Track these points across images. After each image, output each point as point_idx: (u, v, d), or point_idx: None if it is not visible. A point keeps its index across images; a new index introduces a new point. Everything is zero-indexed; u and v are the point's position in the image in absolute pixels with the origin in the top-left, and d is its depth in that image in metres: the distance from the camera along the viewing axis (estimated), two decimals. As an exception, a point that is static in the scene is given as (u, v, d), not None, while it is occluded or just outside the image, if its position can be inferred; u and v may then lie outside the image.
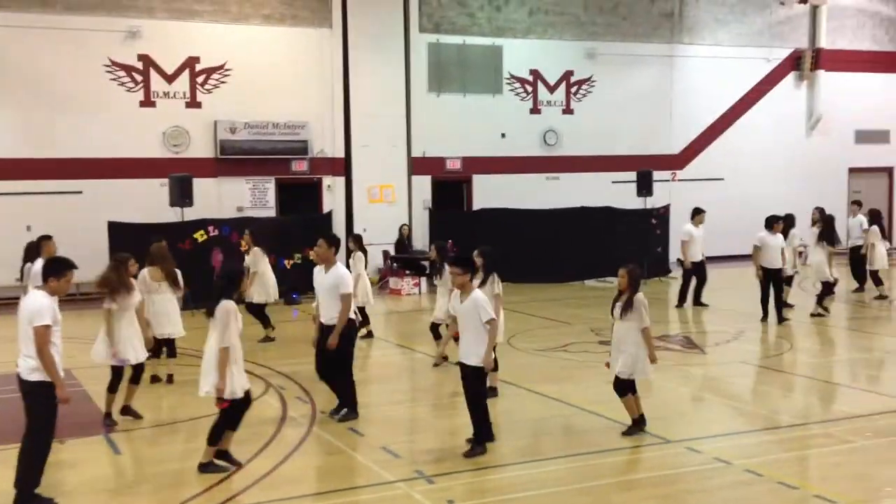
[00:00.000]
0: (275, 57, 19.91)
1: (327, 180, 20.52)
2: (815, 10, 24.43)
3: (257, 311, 13.38)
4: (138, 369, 9.20)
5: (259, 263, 13.46)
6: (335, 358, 8.84)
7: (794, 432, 8.57)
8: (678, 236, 16.93)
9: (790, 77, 24.71)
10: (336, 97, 19.32)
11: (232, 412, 7.42)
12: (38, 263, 10.75)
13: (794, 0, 21.93)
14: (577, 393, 9.96)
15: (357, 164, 18.78)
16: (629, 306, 8.31)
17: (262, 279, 13.42)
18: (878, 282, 17.07)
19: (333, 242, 9.12)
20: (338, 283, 8.82)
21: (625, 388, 8.43)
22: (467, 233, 19.88)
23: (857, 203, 18.90)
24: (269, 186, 20.12)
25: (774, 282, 14.50)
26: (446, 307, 9.89)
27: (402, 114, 21.01)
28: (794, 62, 24.62)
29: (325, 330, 8.88)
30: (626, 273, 8.39)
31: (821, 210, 16.67)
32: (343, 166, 18.65)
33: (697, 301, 16.38)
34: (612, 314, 8.54)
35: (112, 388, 9.02)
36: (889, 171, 26.02)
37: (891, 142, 25.76)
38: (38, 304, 6.67)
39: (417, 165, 21.27)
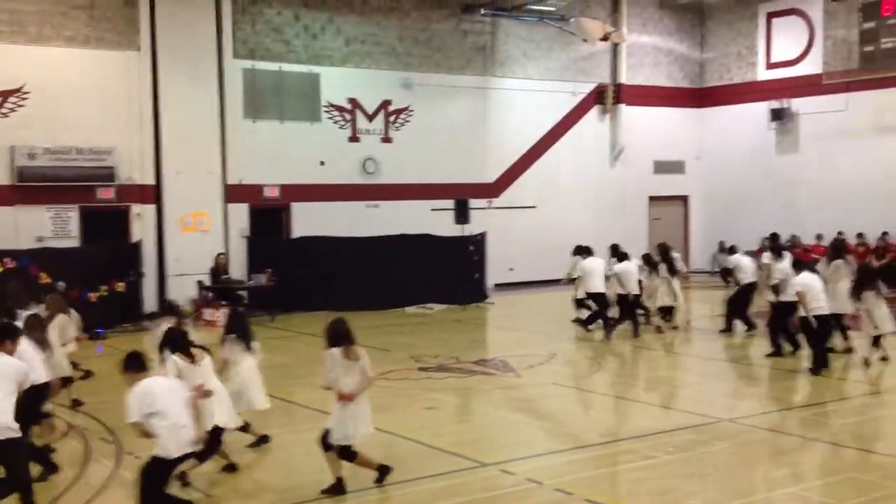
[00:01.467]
0: (78, 80, 18.89)
1: (136, 208, 19.62)
2: (615, 48, 25.94)
3: None
4: None
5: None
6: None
7: (602, 450, 8.95)
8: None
9: (594, 110, 26.05)
10: (145, 122, 18.57)
11: None
12: None
13: (596, 38, 23.15)
14: (397, 421, 9.97)
15: (168, 191, 18.12)
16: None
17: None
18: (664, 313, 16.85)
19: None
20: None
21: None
22: (287, 261, 19.70)
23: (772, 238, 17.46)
24: (73, 215, 19.01)
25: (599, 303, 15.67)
26: None
27: (217, 140, 20.45)
28: (597, 96, 25.99)
29: None
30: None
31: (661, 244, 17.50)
32: (153, 194, 17.94)
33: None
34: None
35: None
36: (685, 199, 27.89)
37: (686, 172, 27.63)
38: None
39: (233, 193, 20.76)
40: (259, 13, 21.10)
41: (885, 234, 21.95)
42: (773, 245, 15.39)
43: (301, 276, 19.39)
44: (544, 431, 9.88)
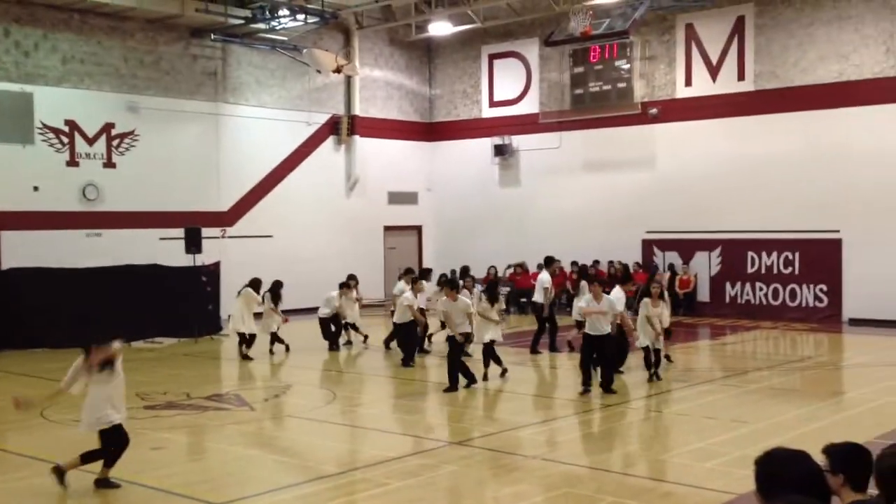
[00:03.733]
0: None
1: None
2: (349, 80, 26.39)
3: None
4: None
5: None
6: None
7: (338, 480, 8.96)
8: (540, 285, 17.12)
9: (330, 140, 26.30)
10: None
11: None
12: None
13: (329, 69, 23.45)
14: (119, 464, 9.36)
15: None
16: None
17: None
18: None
19: None
20: None
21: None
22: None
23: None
24: None
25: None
26: None
27: (-90, 162, 18.37)
28: (332, 127, 26.28)
29: None
30: None
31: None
32: None
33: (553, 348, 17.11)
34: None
35: None
36: (419, 228, 28.82)
37: (419, 202, 28.59)
38: None
39: (-70, 221, 18.70)
40: (-38, 25, 19.27)
41: (574, 262, 23.61)
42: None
43: (12, 312, 17.78)
44: (280, 465, 9.73)
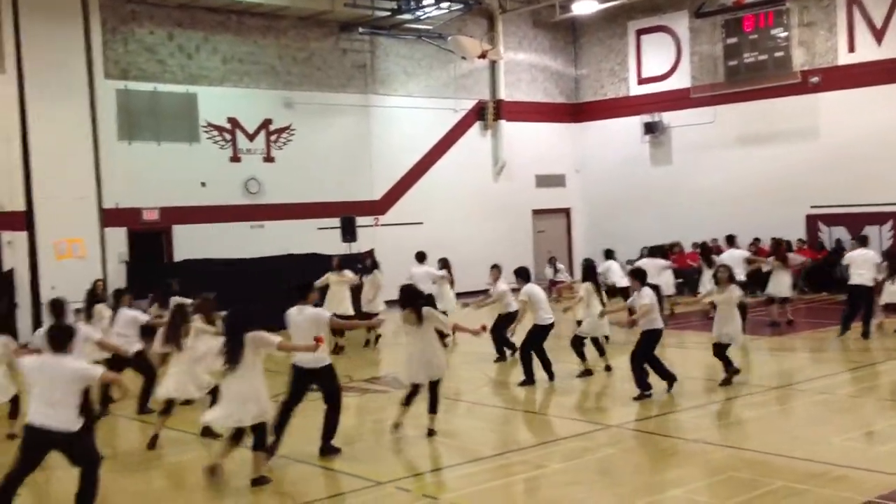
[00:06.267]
0: (-62, 103, 18.00)
1: (6, 235, 18.76)
2: (493, 65, 26.43)
3: None
4: None
5: None
6: None
7: (496, 461, 9.05)
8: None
9: (476, 126, 26.44)
10: (13, 147, 17.72)
11: None
12: None
13: (474, 55, 23.56)
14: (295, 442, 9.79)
15: (41, 217, 17.38)
16: None
17: None
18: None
19: None
20: None
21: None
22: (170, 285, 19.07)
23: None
24: (-61, 245, 18.05)
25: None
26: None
27: (90, 163, 19.78)
28: (478, 112, 26.40)
29: None
30: None
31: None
32: (24, 220, 17.16)
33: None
34: None
35: None
36: (567, 211, 28.59)
37: (567, 185, 28.34)
38: None
39: (110, 217, 20.09)
40: (130, 32, 20.56)
41: (756, 240, 22.93)
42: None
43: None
44: (438, 446, 9.90)
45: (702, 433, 9.91)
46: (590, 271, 13.73)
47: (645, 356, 11.56)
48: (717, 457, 8.89)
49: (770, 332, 16.63)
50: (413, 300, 9.91)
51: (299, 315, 9.14)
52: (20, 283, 18.10)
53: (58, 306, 10.95)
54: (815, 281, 22.22)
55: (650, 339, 11.56)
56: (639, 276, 11.89)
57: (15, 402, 10.76)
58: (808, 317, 18.71)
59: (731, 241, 19.06)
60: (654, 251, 20.44)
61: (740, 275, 15.94)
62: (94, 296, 18.97)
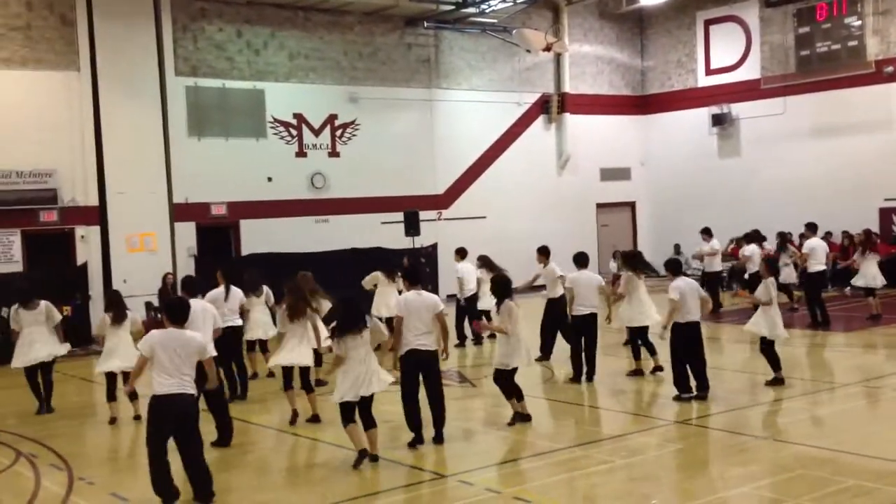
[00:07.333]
0: (17, 102, 18.61)
1: (80, 230, 19.33)
2: (558, 58, 26.23)
3: None
4: None
5: None
6: None
7: (558, 456, 9.00)
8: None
9: (540, 120, 26.30)
10: (87, 143, 18.28)
11: None
12: None
13: (539, 48, 23.41)
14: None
15: (113, 212, 17.84)
16: None
17: None
18: None
19: None
20: None
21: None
22: (237, 279, 19.39)
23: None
24: (15, 239, 18.66)
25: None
26: None
27: (161, 159, 20.18)
28: (542, 106, 26.25)
29: None
30: None
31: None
32: (97, 215, 17.65)
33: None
34: None
35: None
36: (632, 205, 28.25)
37: (632, 178, 28.01)
38: None
39: (180, 212, 20.50)
40: (200, 30, 20.95)
41: (845, 232, 22.30)
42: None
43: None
44: (500, 440, 9.89)
45: (771, 430, 9.71)
46: (630, 259, 13.47)
47: (679, 353, 11.05)
48: (787, 454, 8.70)
49: (869, 325, 16.71)
50: (509, 292, 10.20)
51: (418, 298, 9.55)
52: (93, 276, 18.59)
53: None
54: (888, 275, 21.51)
55: (679, 335, 11.04)
56: (673, 266, 11.62)
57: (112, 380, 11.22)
58: (885, 312, 18.18)
59: (812, 228, 18.30)
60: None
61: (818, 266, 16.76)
62: (166, 290, 19.57)
